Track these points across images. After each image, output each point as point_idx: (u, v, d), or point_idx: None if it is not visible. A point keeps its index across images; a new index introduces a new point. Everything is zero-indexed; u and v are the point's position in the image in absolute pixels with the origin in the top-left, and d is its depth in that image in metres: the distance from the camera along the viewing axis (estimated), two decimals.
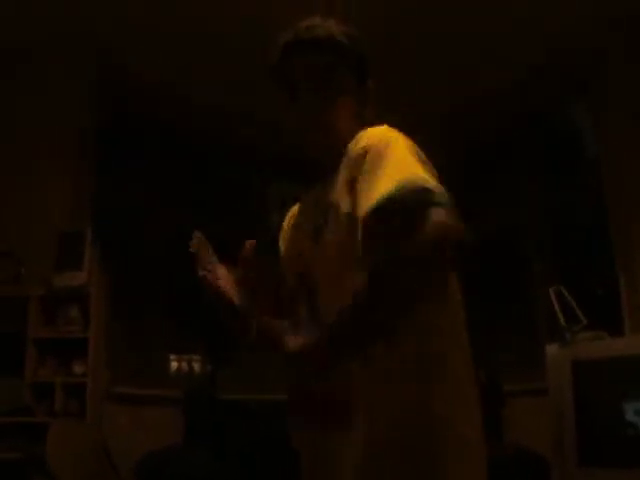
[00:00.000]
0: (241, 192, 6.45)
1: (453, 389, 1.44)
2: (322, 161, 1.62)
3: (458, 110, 6.06)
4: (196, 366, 6.03)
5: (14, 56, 5.20)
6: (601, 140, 5.45)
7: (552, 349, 3.53)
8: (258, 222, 5.77)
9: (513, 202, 6.14)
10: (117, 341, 5.27)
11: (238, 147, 6.40)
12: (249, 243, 1.53)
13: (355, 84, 1.65)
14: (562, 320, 3.53)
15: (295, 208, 1.80)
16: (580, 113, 5.92)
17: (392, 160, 1.37)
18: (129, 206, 5.77)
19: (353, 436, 1.41)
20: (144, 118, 5.95)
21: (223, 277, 1.54)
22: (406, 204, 1.29)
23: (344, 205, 1.45)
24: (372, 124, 1.56)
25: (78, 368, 4.75)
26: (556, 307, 3.57)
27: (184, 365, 5.99)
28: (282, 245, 1.78)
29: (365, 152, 1.43)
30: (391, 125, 1.52)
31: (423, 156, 1.43)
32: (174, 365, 5.98)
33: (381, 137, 1.45)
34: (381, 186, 1.32)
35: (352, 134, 1.55)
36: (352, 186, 1.43)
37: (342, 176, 1.50)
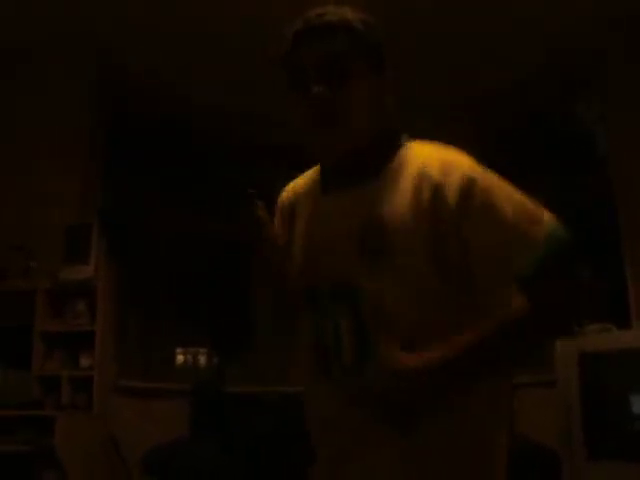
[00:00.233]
0: (242, 188, 6.44)
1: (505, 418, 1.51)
2: (339, 163, 1.52)
3: (458, 110, 6.05)
4: (203, 359, 6.04)
5: (14, 56, 5.21)
6: (609, 137, 5.44)
7: (560, 341, 3.53)
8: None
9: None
10: (124, 334, 5.29)
11: (238, 145, 6.39)
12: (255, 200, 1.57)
13: (372, 74, 1.51)
14: None
15: (289, 196, 1.71)
16: (584, 111, 5.92)
17: (515, 196, 1.39)
18: (135, 200, 5.77)
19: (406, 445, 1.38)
20: (144, 118, 5.95)
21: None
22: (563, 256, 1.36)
23: (425, 230, 1.38)
24: (392, 117, 1.53)
25: (85, 361, 4.76)
26: None
27: (190, 358, 6.00)
28: (297, 242, 1.61)
29: (467, 182, 1.37)
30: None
31: None
32: (181, 358, 5.99)
33: (475, 165, 1.44)
34: (530, 235, 1.33)
35: (372, 130, 1.50)
36: (443, 213, 1.37)
37: (410, 196, 1.42)
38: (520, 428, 4.61)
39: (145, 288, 5.82)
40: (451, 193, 1.37)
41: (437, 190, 1.38)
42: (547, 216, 1.37)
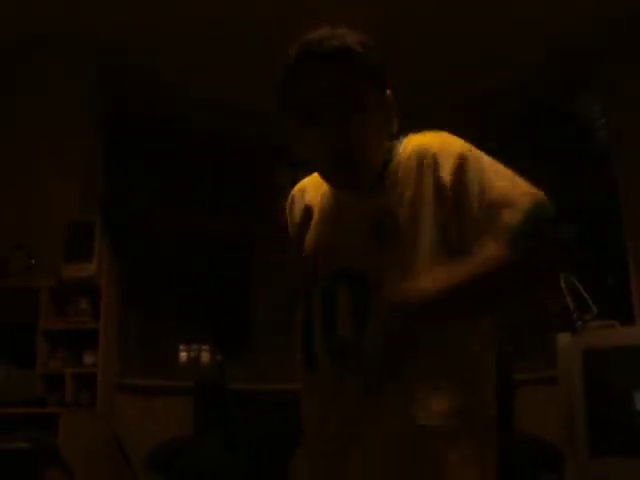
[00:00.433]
0: (245, 183, 6.44)
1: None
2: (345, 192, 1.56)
3: (458, 110, 6.05)
4: (205, 357, 6.05)
5: (14, 56, 5.22)
6: (610, 135, 5.44)
7: (563, 338, 3.53)
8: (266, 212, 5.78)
9: None
10: (127, 332, 5.29)
11: (238, 144, 6.39)
12: None
13: (380, 100, 1.51)
14: (573, 309, 3.53)
15: (301, 193, 1.71)
16: (585, 110, 5.92)
17: (504, 171, 1.50)
18: (135, 200, 5.77)
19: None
20: (144, 118, 5.95)
21: None
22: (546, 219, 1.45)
23: (429, 213, 1.46)
24: (396, 137, 1.57)
25: (88, 359, 4.77)
26: (567, 296, 3.57)
27: (193, 356, 6.01)
28: (312, 240, 1.62)
29: (459, 161, 1.46)
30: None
31: None
32: (184, 356, 6.00)
33: (466, 145, 1.51)
34: (519, 198, 1.44)
35: (384, 154, 1.54)
36: (443, 194, 1.45)
37: (413, 185, 1.48)
38: (522, 425, 4.61)
39: (147, 286, 5.83)
40: (446, 172, 1.45)
41: (435, 174, 1.46)
42: (533, 188, 1.48)
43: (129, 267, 5.39)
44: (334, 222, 1.58)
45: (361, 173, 1.50)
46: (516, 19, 4.98)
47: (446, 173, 1.45)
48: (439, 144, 1.51)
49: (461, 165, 1.45)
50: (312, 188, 1.68)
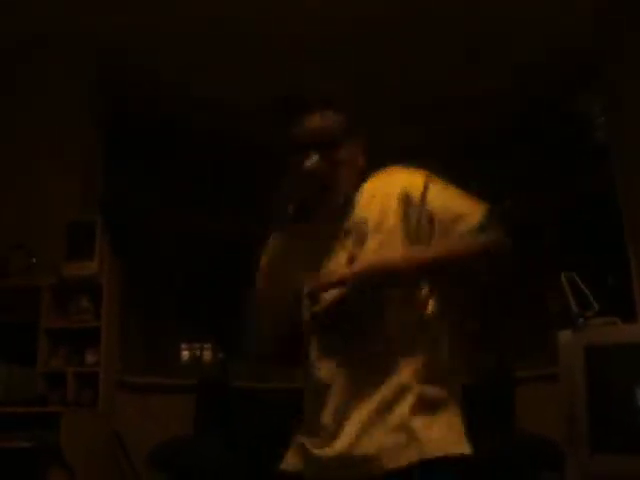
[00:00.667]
0: (245, 183, 6.44)
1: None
2: (322, 211, 1.93)
3: (458, 109, 6.05)
4: (207, 355, 6.05)
5: (14, 56, 5.24)
6: (612, 130, 5.44)
7: (564, 335, 3.52)
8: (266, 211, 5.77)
9: (524, 191, 6.12)
10: (129, 330, 5.29)
11: (238, 144, 6.40)
12: None
13: (349, 141, 1.99)
14: (574, 306, 3.52)
15: (276, 245, 1.98)
16: (585, 109, 5.92)
17: (459, 194, 1.95)
18: (138, 198, 5.78)
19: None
20: (144, 117, 5.95)
21: None
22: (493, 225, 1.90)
23: (394, 217, 1.87)
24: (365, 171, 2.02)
25: (90, 357, 4.77)
26: (568, 293, 3.56)
27: (195, 354, 6.01)
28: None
29: (424, 184, 1.89)
30: None
31: None
32: (185, 354, 6.00)
33: (428, 174, 1.95)
34: (473, 212, 1.89)
35: (355, 186, 1.98)
36: (408, 204, 1.87)
37: (384, 202, 1.89)
38: (523, 423, 4.61)
39: (149, 284, 5.83)
40: (415, 192, 1.88)
41: (405, 193, 1.88)
42: (482, 203, 1.93)
43: (130, 266, 5.39)
44: (312, 241, 1.96)
45: (333, 195, 1.92)
46: (516, 17, 4.98)
47: (415, 192, 1.88)
48: (406, 174, 1.97)
49: (427, 186, 1.89)
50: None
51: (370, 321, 1.78)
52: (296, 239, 1.94)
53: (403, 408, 1.74)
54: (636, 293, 4.78)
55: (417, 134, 6.25)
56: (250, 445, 4.71)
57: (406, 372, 1.77)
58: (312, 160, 1.87)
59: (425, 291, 1.86)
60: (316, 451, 1.82)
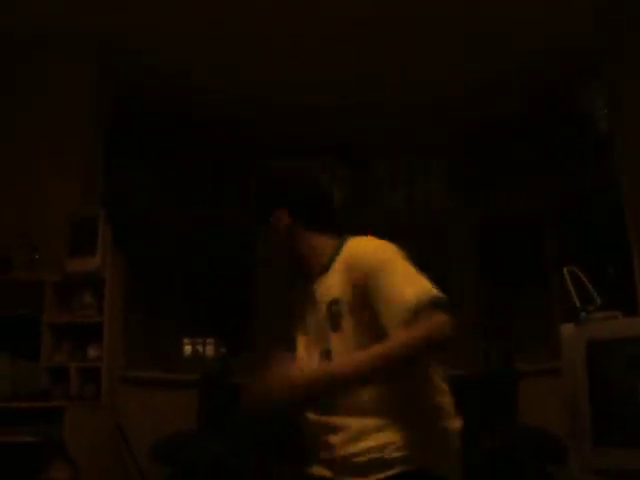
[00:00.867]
0: (246, 179, 6.45)
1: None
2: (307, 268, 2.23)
3: (459, 106, 6.06)
4: (210, 350, 6.06)
5: (14, 56, 5.25)
6: (612, 128, 5.44)
7: (567, 329, 3.53)
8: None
9: (526, 185, 6.13)
10: (132, 325, 5.30)
11: (238, 139, 6.41)
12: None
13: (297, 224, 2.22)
14: (576, 300, 3.53)
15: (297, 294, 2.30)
16: (587, 98, 5.92)
17: (400, 272, 1.99)
18: (139, 195, 5.79)
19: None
20: (144, 116, 5.96)
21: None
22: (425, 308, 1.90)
23: (347, 300, 2.05)
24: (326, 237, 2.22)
25: (93, 352, 4.78)
26: (570, 287, 3.57)
27: (198, 349, 6.03)
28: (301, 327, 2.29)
29: (369, 265, 2.03)
30: None
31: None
32: (188, 349, 6.01)
33: (378, 251, 2.07)
34: (406, 294, 1.92)
35: (309, 255, 2.22)
36: (357, 288, 2.03)
37: (341, 278, 2.09)
38: (526, 417, 4.62)
39: (152, 280, 5.84)
40: (359, 273, 2.03)
41: (349, 266, 2.08)
42: (424, 281, 1.96)
43: (133, 261, 5.40)
44: (307, 304, 2.23)
45: (305, 266, 2.23)
46: (515, 6, 4.98)
47: (355, 272, 2.04)
48: (360, 248, 2.11)
49: (365, 267, 2.02)
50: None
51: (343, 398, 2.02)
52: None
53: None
54: (638, 287, 4.78)
55: (417, 133, 6.26)
56: (252, 440, 4.73)
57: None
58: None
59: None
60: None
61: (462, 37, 5.25)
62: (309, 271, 2.21)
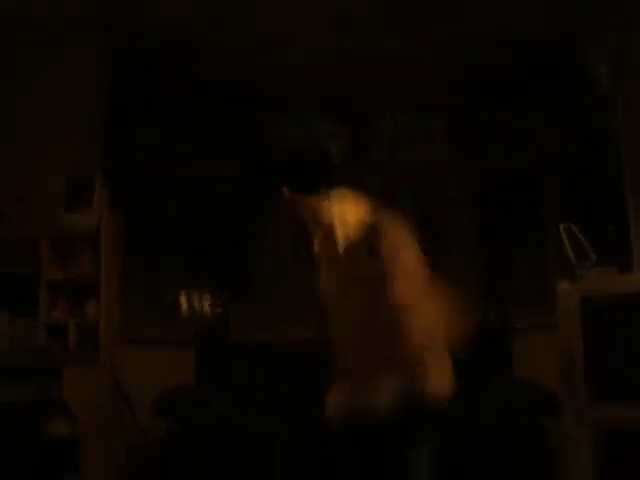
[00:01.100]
0: (247, 130, 6.41)
1: None
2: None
3: (465, 49, 5.99)
4: (207, 306, 6.06)
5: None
6: (613, 81, 5.39)
7: (562, 286, 3.54)
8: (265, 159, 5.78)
9: (525, 140, 6.10)
10: (129, 282, 5.30)
11: (238, 92, 6.35)
12: None
13: None
14: (572, 257, 3.54)
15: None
16: (587, 55, 5.86)
17: (407, 269, 2.26)
18: (139, 146, 5.75)
19: None
20: (144, 71, 5.91)
21: None
22: None
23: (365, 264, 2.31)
24: None
25: (90, 309, 4.80)
26: (566, 244, 3.57)
27: (196, 306, 6.03)
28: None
29: (388, 243, 2.26)
30: None
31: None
32: (185, 305, 6.01)
33: (401, 235, 2.29)
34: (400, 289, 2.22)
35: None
36: (372, 254, 2.26)
37: (362, 247, 2.32)
38: (521, 372, 4.65)
39: (149, 236, 5.81)
40: (378, 239, 2.29)
41: (369, 238, 2.33)
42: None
43: (130, 218, 5.38)
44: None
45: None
46: None
47: (376, 243, 2.28)
48: (384, 224, 2.32)
49: (383, 243, 2.27)
50: None
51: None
52: None
53: None
54: (634, 243, 4.79)
55: (417, 90, 6.21)
56: (251, 397, 4.76)
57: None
58: None
59: None
60: None
61: None
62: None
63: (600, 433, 3.42)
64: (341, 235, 2.40)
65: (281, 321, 5.20)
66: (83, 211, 4.77)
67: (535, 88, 6.02)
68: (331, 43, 5.69)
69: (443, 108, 6.27)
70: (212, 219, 6.05)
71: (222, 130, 6.25)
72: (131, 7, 5.40)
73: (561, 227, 3.60)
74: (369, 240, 2.30)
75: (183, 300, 5.84)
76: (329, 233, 2.44)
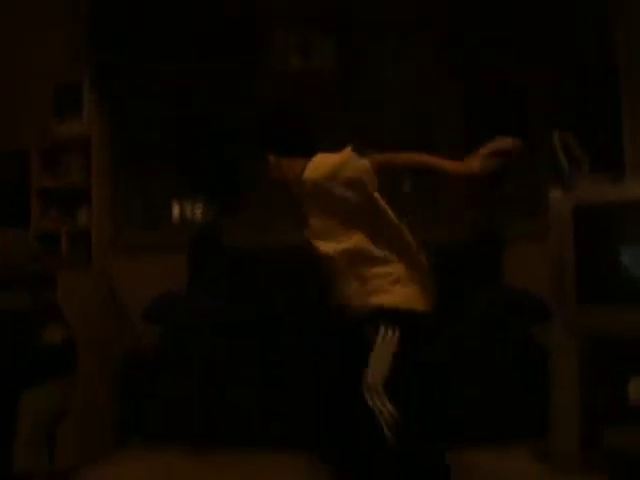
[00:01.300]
0: (244, 39, 6.28)
1: None
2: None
3: None
4: (199, 213, 6.05)
5: None
6: None
7: (554, 194, 3.55)
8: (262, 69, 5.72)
9: (519, 48, 6.01)
10: (120, 189, 5.27)
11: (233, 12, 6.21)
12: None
13: None
14: (565, 165, 3.53)
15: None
16: None
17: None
18: (126, 52, 5.63)
19: None
20: None
21: None
22: None
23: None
24: None
25: (82, 217, 4.80)
26: (559, 152, 3.56)
27: (187, 211, 6.01)
28: None
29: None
30: None
31: None
32: (177, 212, 6.00)
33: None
34: None
35: None
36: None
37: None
38: (512, 280, 4.70)
39: (141, 141, 5.75)
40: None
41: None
42: None
43: (121, 124, 5.32)
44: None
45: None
46: None
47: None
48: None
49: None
50: None
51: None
52: None
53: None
54: (626, 152, 4.78)
55: (403, 8, 6.08)
56: (244, 302, 4.80)
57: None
58: None
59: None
60: None
61: None
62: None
63: (588, 339, 3.48)
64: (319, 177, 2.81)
65: (272, 229, 5.21)
66: (72, 118, 4.71)
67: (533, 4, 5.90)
68: None
69: (429, 27, 6.16)
70: (204, 124, 5.98)
71: (218, 32, 6.12)
72: None
73: (554, 135, 3.58)
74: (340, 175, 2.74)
75: (175, 208, 5.83)
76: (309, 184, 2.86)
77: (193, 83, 5.91)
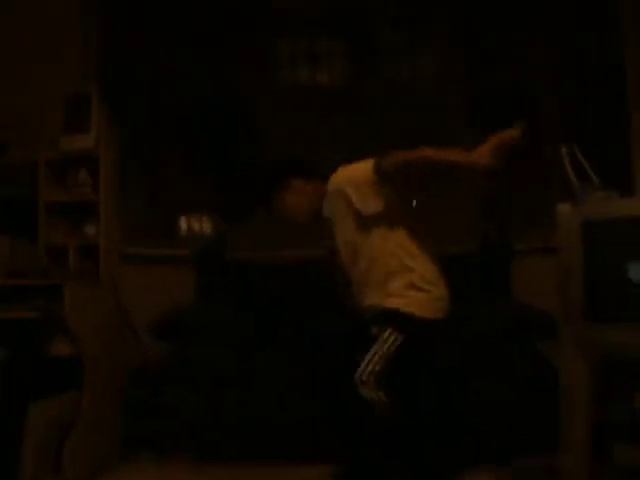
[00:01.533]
0: (248, 48, 6.31)
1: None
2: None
3: None
4: (207, 226, 6.06)
5: None
6: None
7: (563, 209, 3.54)
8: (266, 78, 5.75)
9: (524, 59, 6.01)
10: (128, 202, 5.28)
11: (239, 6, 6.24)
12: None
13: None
14: (574, 179, 3.52)
15: None
16: None
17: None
18: (139, 62, 5.65)
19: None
20: None
21: None
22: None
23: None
24: None
25: (90, 230, 4.81)
26: (568, 166, 3.55)
27: (195, 225, 6.02)
28: None
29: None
30: None
31: None
32: (185, 224, 6.00)
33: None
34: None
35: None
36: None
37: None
38: (519, 294, 4.69)
39: (148, 155, 5.77)
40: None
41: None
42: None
43: (129, 136, 5.33)
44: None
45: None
46: None
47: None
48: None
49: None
50: None
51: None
52: None
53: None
54: (635, 167, 4.77)
55: (417, 4, 6.10)
56: (251, 314, 4.81)
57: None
58: None
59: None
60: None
61: None
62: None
63: (596, 355, 3.47)
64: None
65: (280, 241, 5.22)
66: (81, 131, 4.74)
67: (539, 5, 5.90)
68: None
69: (443, 24, 6.17)
70: (212, 137, 6.00)
71: (222, 43, 6.14)
72: None
73: (563, 149, 3.57)
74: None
75: (183, 221, 5.84)
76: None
77: (205, 96, 5.93)
